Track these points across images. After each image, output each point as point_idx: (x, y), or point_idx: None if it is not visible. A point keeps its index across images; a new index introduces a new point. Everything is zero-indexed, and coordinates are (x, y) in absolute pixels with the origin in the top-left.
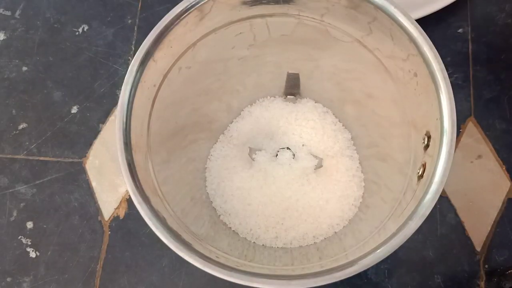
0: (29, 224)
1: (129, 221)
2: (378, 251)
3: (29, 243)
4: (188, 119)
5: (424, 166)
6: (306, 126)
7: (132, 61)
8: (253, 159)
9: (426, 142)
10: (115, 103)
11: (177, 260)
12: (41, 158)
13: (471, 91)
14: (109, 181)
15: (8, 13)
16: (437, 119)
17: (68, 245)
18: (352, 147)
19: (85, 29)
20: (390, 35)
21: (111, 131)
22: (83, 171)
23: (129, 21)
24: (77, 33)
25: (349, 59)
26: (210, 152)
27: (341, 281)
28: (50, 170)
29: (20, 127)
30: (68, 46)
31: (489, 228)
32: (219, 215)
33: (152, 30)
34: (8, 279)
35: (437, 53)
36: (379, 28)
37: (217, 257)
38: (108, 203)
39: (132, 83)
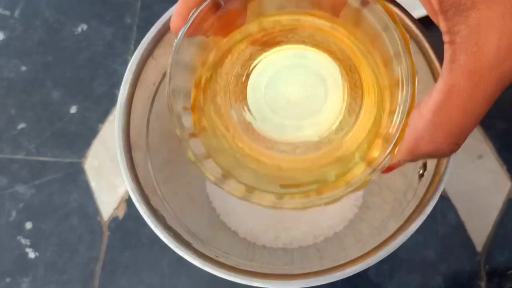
0: (28, 225)
1: (128, 222)
2: (379, 250)
3: (28, 244)
4: None
5: (425, 165)
6: None
7: (132, 59)
8: None
9: None
10: (114, 103)
11: (177, 261)
12: (40, 158)
13: None
14: (108, 182)
15: (7, 12)
16: None
17: (67, 246)
18: None
19: (84, 29)
20: None
21: (110, 131)
22: (82, 171)
23: (129, 20)
24: (76, 32)
25: None
26: None
27: (342, 282)
28: (49, 170)
29: (19, 127)
30: (67, 46)
31: (490, 229)
32: (219, 215)
33: (152, 28)
34: (7, 280)
35: (438, 51)
36: None
37: (216, 256)
38: (107, 203)
39: (132, 82)
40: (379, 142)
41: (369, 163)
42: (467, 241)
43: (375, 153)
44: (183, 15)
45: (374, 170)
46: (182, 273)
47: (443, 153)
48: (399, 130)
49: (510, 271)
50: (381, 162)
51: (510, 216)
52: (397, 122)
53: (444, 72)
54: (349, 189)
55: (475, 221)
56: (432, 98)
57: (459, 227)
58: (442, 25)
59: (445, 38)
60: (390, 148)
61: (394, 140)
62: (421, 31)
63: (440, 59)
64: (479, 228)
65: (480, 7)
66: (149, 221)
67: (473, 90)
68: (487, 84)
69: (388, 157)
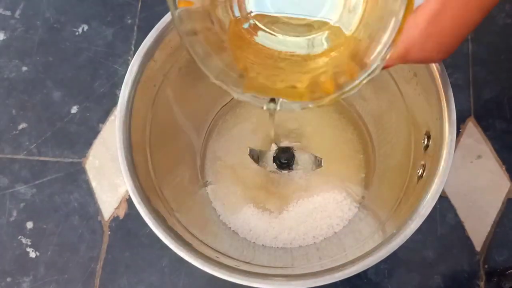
0: (29, 224)
1: (129, 221)
2: (378, 251)
3: (29, 243)
4: (188, 119)
5: (424, 166)
6: (307, 126)
7: (132, 61)
8: (255, 161)
9: (426, 142)
10: (114, 103)
11: (177, 260)
12: (41, 158)
13: (471, 91)
14: (109, 181)
15: (8, 13)
16: (437, 119)
17: (68, 245)
18: (352, 147)
19: (84, 29)
20: None
21: (111, 131)
22: (83, 171)
23: (129, 21)
24: (76, 33)
25: None
26: (210, 152)
27: (341, 281)
28: (50, 170)
29: (20, 127)
30: (67, 46)
31: (489, 228)
32: (219, 215)
33: (152, 30)
34: (8, 279)
35: None
36: None
37: (217, 257)
38: (108, 203)
39: (132, 83)
40: (372, 46)
41: (362, 67)
42: (466, 241)
43: (367, 58)
44: None
45: (366, 72)
46: (182, 272)
47: (432, 61)
48: (393, 35)
49: (509, 271)
50: (373, 66)
51: (509, 216)
52: (391, 28)
53: None
54: (342, 90)
55: (474, 221)
56: (429, 6)
57: (458, 227)
58: None
59: None
60: (383, 53)
61: (387, 47)
62: None
63: None
64: (478, 227)
65: None
66: (149, 222)
67: (468, 0)
68: None
69: (381, 62)
